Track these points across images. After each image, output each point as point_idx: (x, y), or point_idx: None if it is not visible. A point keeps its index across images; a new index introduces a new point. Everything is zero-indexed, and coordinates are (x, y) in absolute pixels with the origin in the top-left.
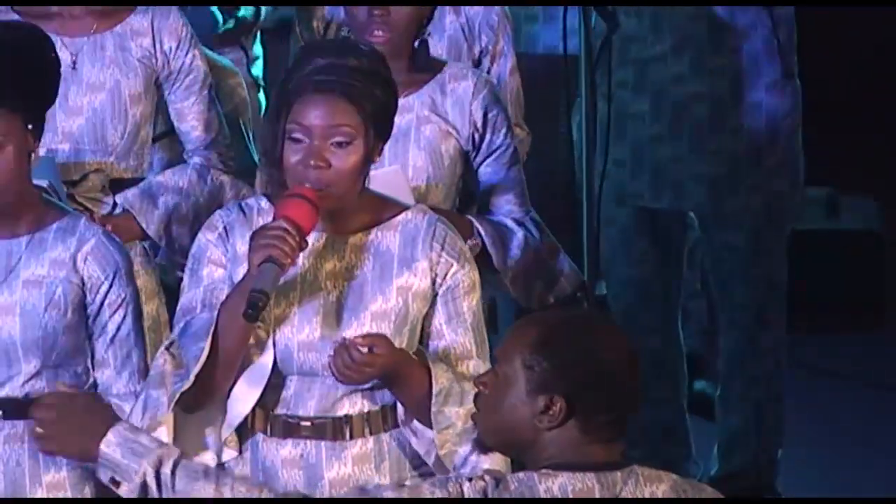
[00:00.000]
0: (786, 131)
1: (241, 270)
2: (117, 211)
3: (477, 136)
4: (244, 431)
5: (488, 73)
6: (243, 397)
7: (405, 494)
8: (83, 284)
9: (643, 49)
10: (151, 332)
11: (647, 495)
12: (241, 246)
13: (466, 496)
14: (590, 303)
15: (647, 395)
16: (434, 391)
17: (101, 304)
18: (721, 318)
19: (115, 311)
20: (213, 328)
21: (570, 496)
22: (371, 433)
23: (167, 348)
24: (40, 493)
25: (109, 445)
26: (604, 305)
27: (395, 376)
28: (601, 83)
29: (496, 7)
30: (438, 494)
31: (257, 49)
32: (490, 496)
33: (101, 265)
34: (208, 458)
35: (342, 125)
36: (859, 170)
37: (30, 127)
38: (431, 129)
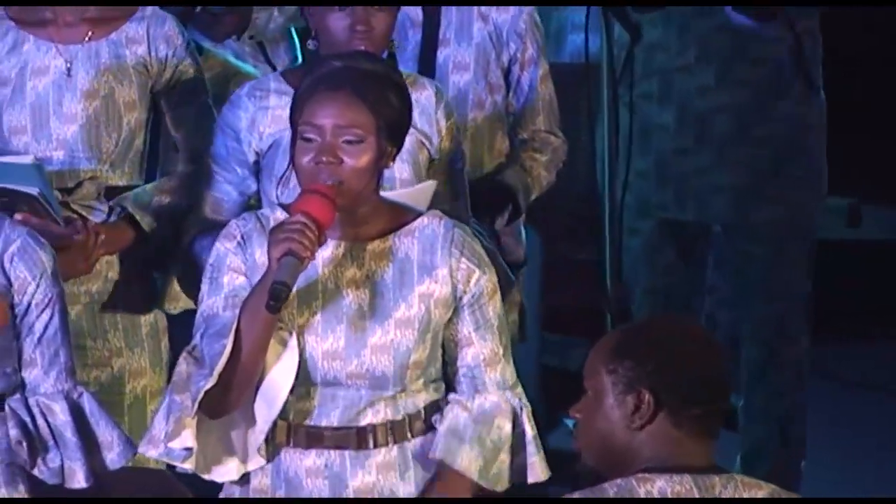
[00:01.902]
0: (810, 143)
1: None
2: (112, 218)
3: (439, 144)
4: (268, 440)
5: (518, 81)
6: (269, 402)
7: None
8: (10, 285)
9: (668, 59)
10: (150, 339)
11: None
12: (260, 255)
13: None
14: (613, 312)
15: None
16: (475, 479)
17: (29, 304)
18: (744, 329)
19: (42, 311)
20: (234, 326)
21: (671, 497)
22: (395, 442)
23: (189, 353)
24: None
25: None
26: (628, 315)
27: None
28: (624, 93)
29: (524, 14)
30: None
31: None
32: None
33: (27, 266)
34: (233, 464)
35: (353, 124)
36: (881, 179)
37: None
38: (410, 140)
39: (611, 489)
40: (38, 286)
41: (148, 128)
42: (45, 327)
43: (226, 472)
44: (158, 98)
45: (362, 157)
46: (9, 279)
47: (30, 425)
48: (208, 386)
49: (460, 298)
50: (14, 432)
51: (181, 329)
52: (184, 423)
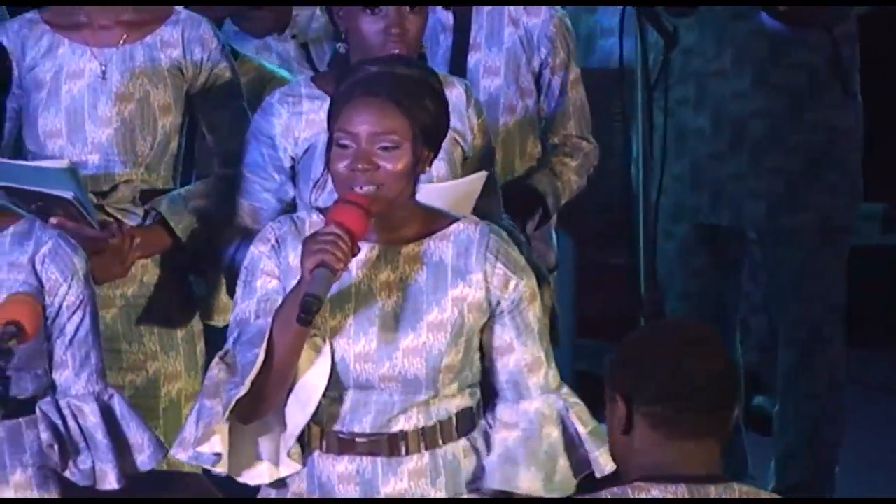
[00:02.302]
0: (845, 149)
1: (295, 283)
2: (148, 222)
3: (472, 142)
4: (302, 445)
5: (549, 85)
6: (301, 407)
7: None
8: (42, 287)
9: (704, 64)
10: (185, 343)
11: None
12: (294, 258)
13: None
14: (646, 317)
15: None
16: (542, 496)
17: (60, 306)
18: (779, 335)
19: (73, 313)
20: (267, 335)
21: None
22: (426, 448)
23: (221, 358)
24: (7, 493)
25: None
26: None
27: None
28: (659, 98)
29: (555, 18)
30: None
31: None
32: None
33: (59, 268)
34: (263, 470)
35: (389, 130)
36: None
37: None
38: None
39: (605, 496)
40: (69, 288)
41: (183, 131)
42: (77, 329)
43: (257, 476)
44: (194, 101)
45: (398, 163)
46: (40, 281)
47: (61, 427)
48: (240, 395)
49: (498, 304)
50: (45, 435)
51: (216, 333)
52: (213, 428)
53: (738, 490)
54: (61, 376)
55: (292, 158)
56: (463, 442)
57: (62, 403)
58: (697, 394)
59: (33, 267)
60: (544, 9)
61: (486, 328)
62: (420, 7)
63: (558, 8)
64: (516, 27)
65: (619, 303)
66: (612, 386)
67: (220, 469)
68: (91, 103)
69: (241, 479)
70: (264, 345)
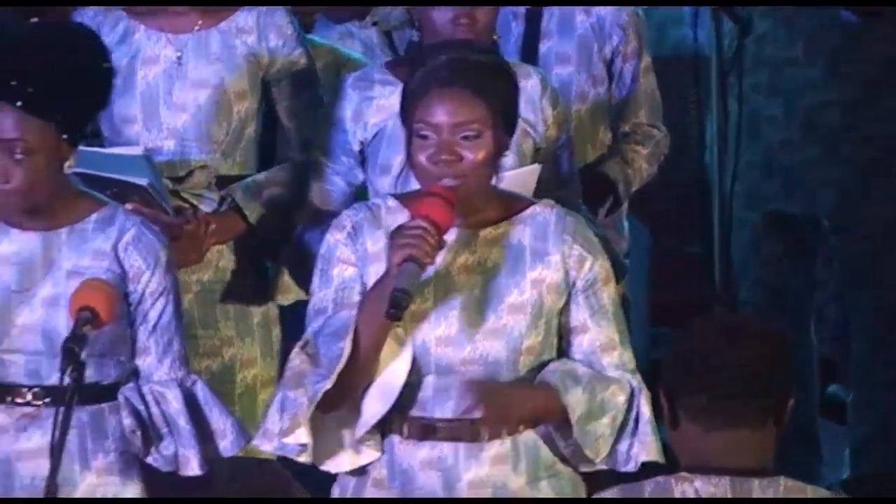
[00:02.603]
0: None
1: (372, 269)
2: (223, 208)
3: (546, 132)
4: (382, 433)
5: (620, 73)
6: (381, 397)
7: None
8: (125, 274)
9: (777, 52)
10: (261, 328)
11: None
12: (371, 245)
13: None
14: (720, 304)
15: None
16: (573, 420)
17: (143, 293)
18: (852, 324)
19: (156, 300)
20: (352, 328)
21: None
22: (508, 434)
23: (302, 348)
24: (89, 479)
25: None
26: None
27: (530, 419)
28: (733, 84)
29: (627, 7)
30: None
31: None
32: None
33: (142, 255)
34: (344, 458)
35: (470, 119)
36: None
37: (64, 137)
38: None
39: (648, 486)
40: (152, 275)
41: (259, 117)
42: (160, 316)
43: (339, 464)
44: (270, 88)
45: (481, 152)
46: (123, 268)
47: (143, 413)
48: (327, 387)
49: (573, 285)
50: (128, 421)
51: (293, 318)
52: (299, 420)
53: (783, 485)
54: (144, 362)
55: (361, 143)
56: (542, 428)
57: (145, 389)
58: (728, 383)
59: (116, 254)
60: None
61: (563, 309)
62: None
63: None
64: (588, 15)
65: (693, 291)
66: (659, 383)
67: (305, 459)
68: (166, 89)
69: (323, 468)
70: (350, 338)
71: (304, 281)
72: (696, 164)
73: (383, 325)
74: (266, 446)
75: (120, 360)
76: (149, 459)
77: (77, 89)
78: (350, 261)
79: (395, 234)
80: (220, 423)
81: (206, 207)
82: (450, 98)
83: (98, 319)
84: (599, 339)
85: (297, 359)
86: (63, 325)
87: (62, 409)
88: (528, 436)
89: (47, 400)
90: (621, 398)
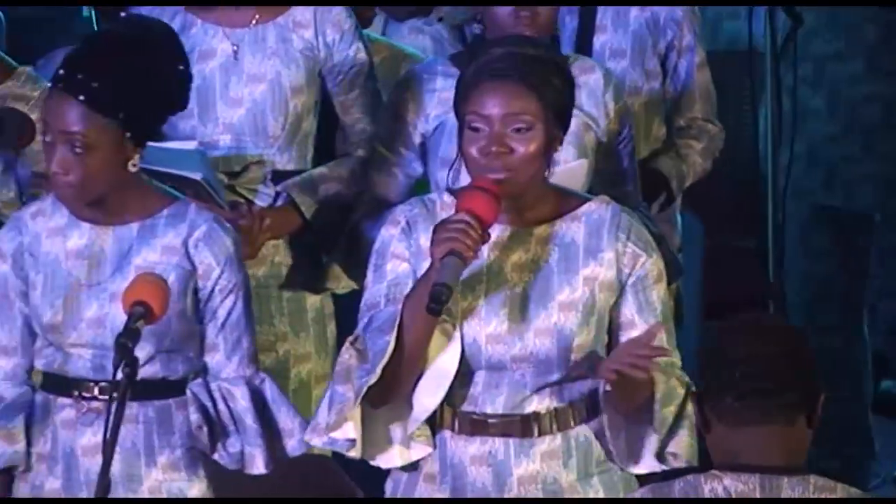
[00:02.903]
0: None
1: (426, 265)
2: (279, 203)
3: (609, 127)
4: (433, 427)
5: (675, 68)
6: (431, 392)
7: None
8: (195, 270)
9: (821, 45)
10: (315, 324)
11: None
12: (425, 240)
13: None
14: (774, 300)
15: (827, 394)
16: (657, 396)
17: (213, 289)
18: None
19: (226, 297)
20: (397, 322)
21: (733, 496)
22: (559, 429)
23: (352, 343)
24: (155, 474)
25: None
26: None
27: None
28: (786, 76)
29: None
30: None
31: None
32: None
33: (212, 251)
34: (395, 453)
35: (521, 112)
36: None
37: (128, 135)
38: (575, 122)
39: (678, 484)
40: (222, 271)
41: (316, 112)
42: (229, 313)
43: (389, 459)
44: (327, 83)
45: (532, 145)
46: (193, 264)
47: (211, 410)
48: (371, 382)
49: (626, 281)
50: (195, 417)
51: (347, 314)
52: (346, 415)
53: (813, 484)
54: (213, 359)
55: (422, 135)
56: (594, 423)
57: (213, 386)
58: (751, 381)
59: (186, 250)
60: None
61: (615, 305)
62: None
63: None
64: (642, 10)
65: (747, 285)
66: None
67: (354, 454)
68: (223, 84)
69: (374, 463)
70: (395, 332)
71: (354, 270)
72: (751, 159)
73: (428, 319)
74: (315, 441)
75: (188, 357)
76: (215, 456)
77: (146, 89)
78: (403, 256)
79: (438, 229)
80: (288, 421)
81: (261, 202)
82: (501, 90)
83: (151, 314)
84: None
85: (346, 353)
86: None
87: (115, 404)
88: (580, 431)
89: (114, 395)
90: (681, 390)
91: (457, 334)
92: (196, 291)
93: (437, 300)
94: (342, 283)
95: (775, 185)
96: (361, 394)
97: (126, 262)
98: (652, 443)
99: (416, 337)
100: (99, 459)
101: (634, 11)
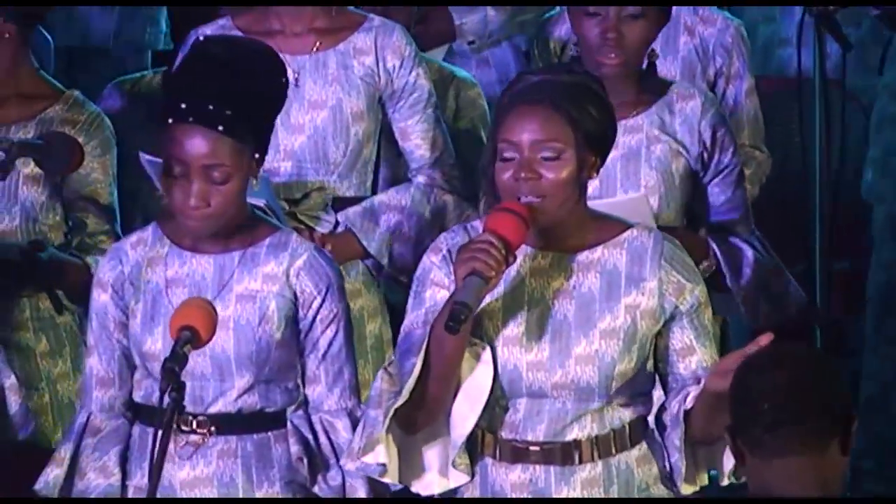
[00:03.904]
0: None
1: None
2: (339, 230)
3: (706, 155)
4: (474, 455)
5: (723, 95)
6: (465, 415)
7: None
8: (296, 299)
9: None
10: (374, 351)
11: None
12: None
13: None
14: (822, 325)
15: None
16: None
17: (314, 319)
18: None
19: (326, 327)
20: (424, 344)
21: None
22: (600, 457)
23: (385, 368)
24: None
25: None
26: (838, 329)
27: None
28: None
29: (731, 28)
30: None
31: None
32: None
33: (313, 280)
34: (433, 479)
35: (551, 138)
36: None
37: (256, 156)
38: (661, 148)
39: None
40: (323, 301)
41: (376, 138)
42: (330, 343)
43: (427, 486)
44: (386, 109)
45: (562, 172)
46: (294, 293)
47: (311, 442)
48: (398, 404)
49: (675, 309)
50: (295, 448)
51: None
52: (376, 438)
53: None
54: (314, 392)
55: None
56: (636, 451)
57: (314, 418)
58: (776, 410)
59: (287, 279)
60: (720, 18)
61: (663, 333)
62: (644, 13)
63: (734, 17)
64: (692, 36)
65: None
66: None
67: (389, 479)
68: (284, 110)
69: (413, 489)
70: (422, 354)
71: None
72: (800, 185)
73: (455, 340)
74: (349, 465)
75: (287, 388)
76: (315, 489)
77: (265, 107)
78: (443, 284)
79: (462, 248)
80: None
81: (321, 229)
82: (531, 116)
83: (198, 338)
84: (705, 360)
85: (379, 379)
86: (232, 348)
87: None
88: (621, 459)
89: (213, 428)
90: None
91: (487, 356)
92: (297, 321)
93: (455, 319)
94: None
95: (822, 211)
96: (389, 416)
97: (227, 290)
98: (728, 463)
99: (444, 358)
100: (198, 494)
101: (683, 38)
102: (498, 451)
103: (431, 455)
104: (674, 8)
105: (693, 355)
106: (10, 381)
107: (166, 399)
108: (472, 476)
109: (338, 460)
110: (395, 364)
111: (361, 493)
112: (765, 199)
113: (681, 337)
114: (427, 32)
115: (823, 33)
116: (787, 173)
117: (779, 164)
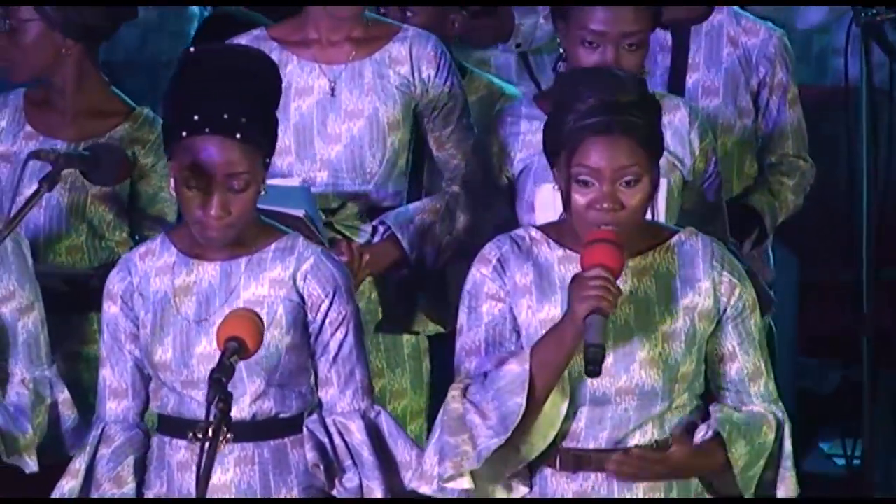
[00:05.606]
0: None
1: (523, 302)
2: (375, 238)
3: (693, 164)
4: (532, 465)
5: (767, 105)
6: (542, 433)
7: None
8: (304, 303)
9: None
10: (411, 360)
11: None
12: (521, 278)
13: None
14: (869, 336)
15: None
16: (737, 472)
17: (323, 322)
18: None
19: (336, 330)
20: (527, 382)
21: None
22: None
23: (463, 394)
24: None
25: None
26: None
27: (688, 473)
28: (883, 113)
29: (774, 38)
30: None
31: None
32: None
33: (320, 283)
34: (499, 492)
35: (631, 164)
36: None
37: (267, 161)
38: (661, 162)
39: None
40: (331, 304)
41: (411, 148)
42: (340, 345)
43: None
44: (421, 118)
45: (640, 196)
46: (302, 296)
47: (327, 446)
48: (501, 443)
49: (724, 312)
50: (311, 455)
51: (442, 350)
52: (464, 470)
53: None
54: (327, 394)
55: (508, 179)
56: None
57: (328, 421)
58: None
59: (294, 283)
60: (763, 28)
61: (711, 336)
62: (639, 44)
63: (776, 27)
64: (735, 47)
65: (842, 321)
66: None
67: (461, 495)
68: (320, 120)
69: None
70: (525, 394)
71: (442, 314)
72: (847, 194)
73: (558, 375)
74: (425, 489)
75: (301, 392)
76: (333, 492)
77: (270, 113)
78: (498, 296)
79: (577, 286)
80: (406, 454)
81: (359, 239)
82: (610, 145)
83: (245, 349)
84: (747, 368)
85: (456, 403)
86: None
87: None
88: None
89: (229, 436)
90: (771, 437)
91: (566, 385)
92: (306, 325)
93: (595, 362)
94: (430, 327)
95: (870, 219)
96: (488, 454)
97: (234, 297)
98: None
99: (544, 392)
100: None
101: (727, 49)
102: (558, 461)
103: (496, 469)
104: (717, 19)
105: (734, 362)
106: (64, 395)
107: (213, 410)
108: (531, 487)
109: (354, 462)
110: (475, 392)
111: (378, 494)
112: (812, 207)
113: (725, 342)
114: (491, 26)
115: (870, 43)
116: (834, 182)
117: (827, 172)
